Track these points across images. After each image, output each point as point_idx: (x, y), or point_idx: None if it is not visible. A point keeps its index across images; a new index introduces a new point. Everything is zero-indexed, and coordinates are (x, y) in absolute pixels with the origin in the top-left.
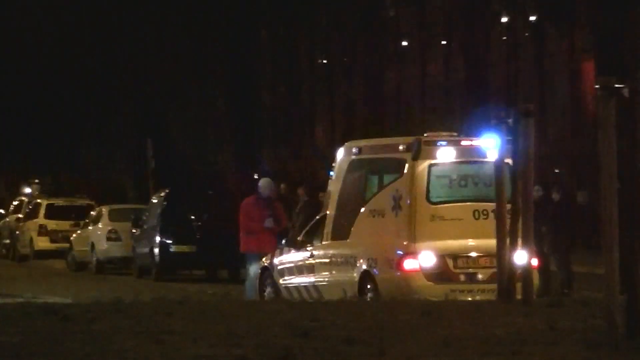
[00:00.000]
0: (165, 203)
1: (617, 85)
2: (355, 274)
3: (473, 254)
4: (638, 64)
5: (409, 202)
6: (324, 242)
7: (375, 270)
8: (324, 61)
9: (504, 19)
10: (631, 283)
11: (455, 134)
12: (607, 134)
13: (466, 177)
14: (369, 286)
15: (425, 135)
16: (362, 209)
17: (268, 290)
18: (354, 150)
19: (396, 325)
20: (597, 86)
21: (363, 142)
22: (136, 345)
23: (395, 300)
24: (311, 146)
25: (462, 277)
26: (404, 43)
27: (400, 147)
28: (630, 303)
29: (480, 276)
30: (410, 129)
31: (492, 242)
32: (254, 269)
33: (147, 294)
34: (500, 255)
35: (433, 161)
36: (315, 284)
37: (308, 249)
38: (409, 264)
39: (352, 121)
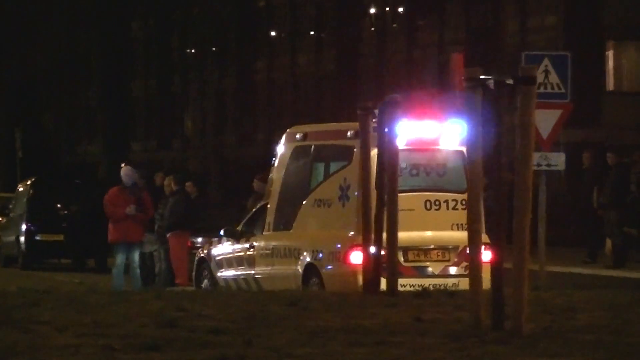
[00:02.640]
0: (31, 191)
1: (483, 77)
2: (299, 267)
3: (424, 247)
4: (504, 56)
5: (357, 192)
6: (265, 233)
7: (320, 262)
8: (195, 51)
9: (373, 10)
10: (495, 276)
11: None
12: (474, 125)
13: (418, 166)
14: (313, 280)
15: (375, 120)
16: (307, 199)
17: (205, 282)
18: (297, 136)
19: (264, 316)
20: (464, 77)
21: (308, 128)
22: (2, 335)
23: (262, 291)
24: (181, 136)
25: (413, 271)
26: (274, 33)
27: (349, 133)
28: (494, 295)
29: (432, 270)
30: (281, 118)
31: (445, 234)
32: (120, 258)
33: (14, 283)
34: (365, 247)
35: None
36: (256, 276)
37: (248, 240)
38: (356, 257)
39: (223, 111)
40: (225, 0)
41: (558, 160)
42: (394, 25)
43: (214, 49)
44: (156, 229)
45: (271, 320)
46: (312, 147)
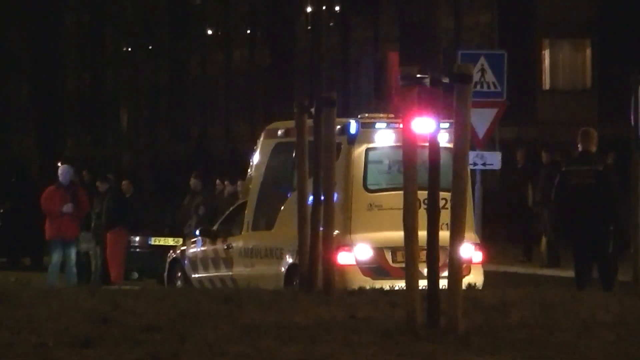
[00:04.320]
0: None
1: (418, 75)
2: (281, 267)
3: None
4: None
5: (341, 190)
6: (244, 233)
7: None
8: (129, 48)
9: (309, 9)
10: (430, 272)
11: (392, 115)
12: (408, 124)
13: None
14: (296, 280)
15: (360, 116)
16: (289, 197)
17: (178, 284)
18: (279, 132)
19: (197, 313)
20: (399, 76)
21: (290, 124)
22: None
23: (196, 288)
24: (115, 132)
25: (402, 272)
26: (209, 30)
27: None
28: (429, 292)
29: (423, 271)
30: (215, 114)
31: None
32: (56, 256)
33: None
34: (301, 244)
35: (370, 145)
36: (233, 277)
37: (225, 240)
38: (342, 258)
39: (157, 107)
40: None
41: (494, 159)
42: (331, 24)
43: (147, 44)
44: (92, 227)
45: (205, 317)
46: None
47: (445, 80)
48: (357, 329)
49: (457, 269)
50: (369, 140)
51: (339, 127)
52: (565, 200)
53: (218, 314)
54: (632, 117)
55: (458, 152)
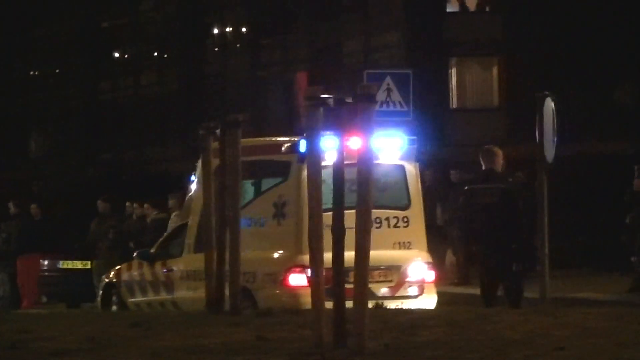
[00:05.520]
0: None
1: (323, 95)
2: (226, 290)
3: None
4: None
5: (293, 209)
6: (185, 255)
7: (254, 285)
8: (37, 72)
9: (216, 30)
10: (337, 292)
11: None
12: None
13: (357, 181)
14: (244, 303)
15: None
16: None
17: (114, 309)
18: None
19: (107, 337)
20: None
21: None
22: None
23: (104, 312)
24: (24, 157)
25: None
26: (117, 54)
27: (283, 148)
28: (335, 312)
29: (375, 292)
30: (127, 138)
31: (387, 254)
32: None
33: None
34: (207, 265)
35: (322, 163)
36: (175, 300)
37: (165, 263)
38: (294, 279)
39: (68, 132)
40: (67, 22)
41: None
42: (238, 46)
43: (57, 70)
44: None
45: (114, 341)
46: (242, 163)
47: (349, 100)
48: (265, 350)
49: (362, 289)
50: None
51: (288, 145)
52: (469, 219)
53: (127, 337)
54: (537, 136)
55: (362, 172)
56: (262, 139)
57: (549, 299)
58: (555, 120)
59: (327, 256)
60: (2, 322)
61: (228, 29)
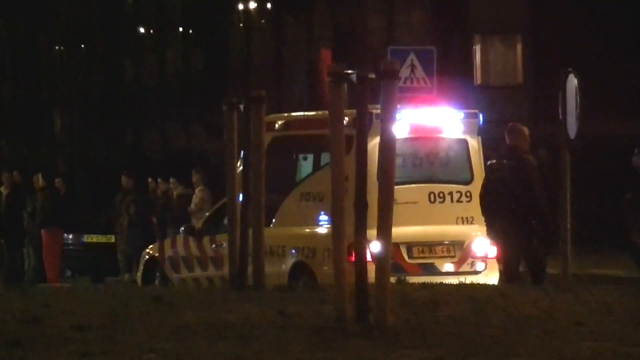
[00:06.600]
0: None
1: (346, 72)
2: (283, 266)
3: (429, 243)
4: (367, 52)
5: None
6: None
7: (313, 260)
8: (61, 48)
9: (240, 7)
10: (359, 268)
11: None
12: (336, 119)
13: (421, 156)
14: (303, 279)
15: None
16: (291, 193)
17: (156, 283)
18: (276, 126)
19: (127, 312)
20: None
21: (289, 117)
22: None
23: (126, 287)
24: (49, 135)
25: (418, 269)
26: (142, 30)
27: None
28: (357, 288)
29: (439, 267)
30: (149, 117)
31: (451, 229)
32: None
33: None
34: (232, 240)
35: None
36: (224, 277)
37: (213, 238)
38: None
39: (91, 110)
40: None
41: None
42: (262, 22)
43: (82, 46)
44: (25, 226)
45: (134, 316)
46: (297, 137)
47: (372, 76)
48: (286, 325)
49: (384, 265)
50: None
51: (349, 118)
52: (487, 194)
53: (148, 312)
54: (560, 113)
55: (385, 146)
56: (316, 112)
57: (571, 276)
58: (578, 98)
59: (398, 230)
60: (25, 296)
61: (252, 5)
